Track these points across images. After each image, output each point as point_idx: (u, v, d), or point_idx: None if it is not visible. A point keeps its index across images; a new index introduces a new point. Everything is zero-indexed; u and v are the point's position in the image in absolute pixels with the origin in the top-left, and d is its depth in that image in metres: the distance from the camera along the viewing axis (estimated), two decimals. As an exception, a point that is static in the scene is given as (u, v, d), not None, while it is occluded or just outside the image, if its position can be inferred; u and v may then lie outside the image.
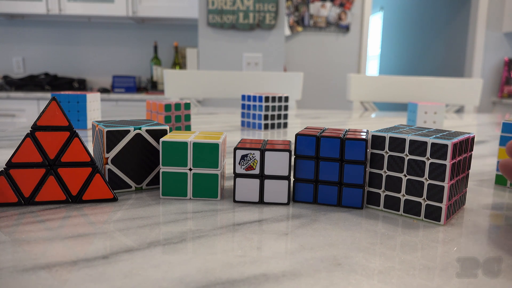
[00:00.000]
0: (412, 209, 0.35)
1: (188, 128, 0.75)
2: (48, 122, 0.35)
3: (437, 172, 0.33)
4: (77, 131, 0.36)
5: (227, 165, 0.52)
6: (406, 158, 0.34)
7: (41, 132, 0.35)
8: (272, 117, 0.86)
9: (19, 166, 0.35)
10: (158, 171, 0.41)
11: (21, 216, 0.33)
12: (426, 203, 0.34)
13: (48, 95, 2.37)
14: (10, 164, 0.35)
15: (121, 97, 2.48)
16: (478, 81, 1.51)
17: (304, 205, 0.38)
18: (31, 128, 0.35)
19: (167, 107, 0.71)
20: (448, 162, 0.32)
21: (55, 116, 0.35)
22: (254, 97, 0.85)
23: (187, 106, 0.75)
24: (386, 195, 0.36)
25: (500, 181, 0.47)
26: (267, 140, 0.41)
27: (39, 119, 0.35)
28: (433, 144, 0.33)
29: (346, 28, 3.22)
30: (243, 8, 2.28)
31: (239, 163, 0.37)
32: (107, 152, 0.39)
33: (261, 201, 0.37)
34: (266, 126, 0.85)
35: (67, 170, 0.36)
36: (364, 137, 0.36)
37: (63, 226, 0.32)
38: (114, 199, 0.38)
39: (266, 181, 0.37)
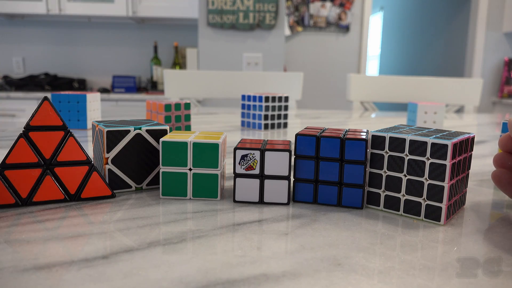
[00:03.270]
0: (412, 209, 0.35)
1: (188, 128, 0.75)
2: (42, 122, 0.35)
3: (437, 172, 0.33)
4: (71, 131, 0.36)
5: (227, 165, 0.52)
6: (406, 158, 0.34)
7: (34, 132, 0.35)
8: (272, 117, 0.86)
9: (14, 167, 0.35)
10: (158, 171, 0.41)
11: (20, 216, 0.33)
12: (426, 203, 0.34)
13: (48, 95, 2.37)
14: (4, 165, 0.34)
15: (121, 97, 2.48)
16: (478, 81, 1.51)
17: (304, 205, 0.38)
18: (24, 128, 0.35)
19: (167, 107, 0.71)
20: (448, 162, 0.32)
21: (48, 116, 0.35)
22: (254, 97, 0.85)
23: (187, 106, 0.75)
24: (386, 195, 0.36)
25: (500, 181, 0.47)
26: (267, 140, 0.41)
27: (32, 119, 0.35)
28: (433, 144, 0.33)
29: (346, 28, 3.23)
30: (243, 8, 2.28)
31: (239, 163, 0.37)
32: (107, 152, 0.39)
33: (261, 201, 0.37)
34: (266, 126, 0.85)
35: (64, 169, 0.36)
36: (364, 137, 0.36)
37: (62, 226, 0.32)
38: (112, 196, 0.38)
39: (266, 181, 0.37)
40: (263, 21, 2.29)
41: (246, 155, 0.37)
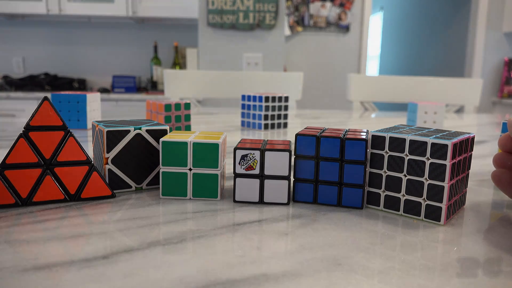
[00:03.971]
0: (412, 209, 0.35)
1: (188, 128, 0.75)
2: (42, 122, 0.35)
3: (437, 172, 0.33)
4: (71, 131, 0.36)
5: (227, 165, 0.52)
6: (406, 158, 0.34)
7: (34, 132, 0.35)
8: (272, 117, 0.86)
9: (14, 167, 0.35)
10: (158, 171, 0.41)
11: (21, 216, 0.33)
12: (426, 203, 0.34)
13: (48, 95, 2.37)
14: (4, 165, 0.34)
15: (121, 97, 2.48)
16: (478, 81, 1.51)
17: (304, 205, 0.38)
18: (24, 128, 0.35)
19: (167, 107, 0.71)
20: (448, 162, 0.32)
21: (48, 116, 0.35)
22: (254, 97, 0.85)
23: (187, 106, 0.75)
24: (386, 195, 0.36)
25: (500, 181, 0.47)
26: (267, 140, 0.41)
27: (32, 119, 0.35)
28: (433, 144, 0.33)
29: (346, 28, 3.22)
30: (243, 8, 2.28)
31: (239, 163, 0.37)
32: (107, 152, 0.39)
33: (261, 201, 0.37)
34: (266, 126, 0.85)
35: (64, 170, 0.36)
36: (364, 137, 0.36)
37: (63, 226, 0.32)
38: (112, 196, 0.38)
39: (266, 181, 0.37)
40: (263, 21, 2.29)
41: (246, 155, 0.37)
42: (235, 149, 0.37)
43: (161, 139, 0.37)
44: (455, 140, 0.33)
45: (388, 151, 0.35)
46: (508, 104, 3.04)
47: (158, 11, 2.54)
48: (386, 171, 0.36)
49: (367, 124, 1.05)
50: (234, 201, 0.38)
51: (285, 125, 0.89)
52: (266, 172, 0.37)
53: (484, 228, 0.34)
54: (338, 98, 3.29)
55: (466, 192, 0.38)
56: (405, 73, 4.70)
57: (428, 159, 0.33)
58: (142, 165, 0.41)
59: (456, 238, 0.31)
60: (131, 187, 0.41)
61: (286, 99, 0.88)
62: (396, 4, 5.01)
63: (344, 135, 0.37)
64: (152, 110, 0.75)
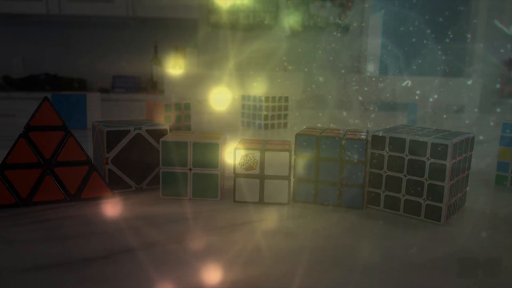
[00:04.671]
0: (412, 209, 0.35)
1: (188, 128, 0.75)
2: (42, 122, 0.35)
3: (437, 172, 0.33)
4: (71, 131, 0.36)
5: (227, 165, 0.52)
6: (406, 158, 0.34)
7: (34, 132, 0.35)
8: (272, 117, 0.86)
9: (14, 167, 0.34)
10: (158, 171, 0.41)
11: (21, 216, 0.33)
12: (426, 203, 0.34)
13: (48, 95, 2.36)
14: (4, 166, 0.34)
15: (121, 97, 2.47)
16: (478, 81, 1.51)
17: (304, 205, 0.38)
18: (24, 128, 0.35)
19: (167, 107, 0.71)
20: (448, 162, 0.32)
21: (48, 116, 0.35)
22: (254, 97, 0.85)
23: (187, 106, 0.75)
24: (386, 195, 0.36)
25: (500, 181, 0.47)
26: (267, 140, 0.41)
27: (32, 119, 0.35)
28: (433, 144, 0.33)
29: (346, 28, 3.23)
30: (243, 8, 2.28)
31: (239, 163, 0.37)
32: (107, 152, 0.39)
33: (261, 201, 0.37)
34: (266, 126, 0.85)
35: (64, 170, 0.36)
36: (364, 137, 0.36)
37: (63, 226, 0.32)
38: (112, 196, 0.38)
39: (266, 181, 0.37)
40: (263, 21, 2.29)
41: (246, 155, 0.37)
42: (235, 149, 0.37)
43: (161, 139, 0.37)
44: (455, 140, 0.33)
45: (388, 151, 0.35)
46: (508, 104, 3.04)
47: (158, 11, 2.54)
48: (386, 171, 0.36)
49: (367, 124, 1.05)
50: (234, 201, 0.38)
51: (285, 125, 0.89)
52: (266, 172, 0.37)
53: (484, 228, 0.34)
54: (338, 98, 3.29)
55: (466, 192, 0.38)
56: (405, 73, 4.70)
57: (428, 159, 0.33)
58: (142, 165, 0.41)
59: (456, 238, 0.31)
60: (131, 187, 0.41)
61: (286, 99, 0.88)
62: (396, 4, 5.01)
63: (344, 135, 0.37)
64: (152, 110, 0.75)
